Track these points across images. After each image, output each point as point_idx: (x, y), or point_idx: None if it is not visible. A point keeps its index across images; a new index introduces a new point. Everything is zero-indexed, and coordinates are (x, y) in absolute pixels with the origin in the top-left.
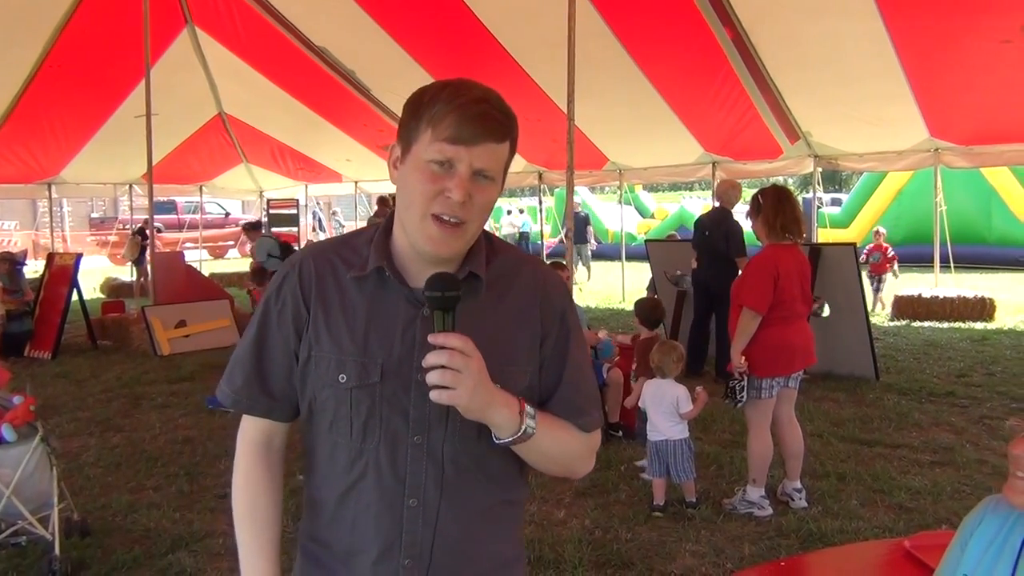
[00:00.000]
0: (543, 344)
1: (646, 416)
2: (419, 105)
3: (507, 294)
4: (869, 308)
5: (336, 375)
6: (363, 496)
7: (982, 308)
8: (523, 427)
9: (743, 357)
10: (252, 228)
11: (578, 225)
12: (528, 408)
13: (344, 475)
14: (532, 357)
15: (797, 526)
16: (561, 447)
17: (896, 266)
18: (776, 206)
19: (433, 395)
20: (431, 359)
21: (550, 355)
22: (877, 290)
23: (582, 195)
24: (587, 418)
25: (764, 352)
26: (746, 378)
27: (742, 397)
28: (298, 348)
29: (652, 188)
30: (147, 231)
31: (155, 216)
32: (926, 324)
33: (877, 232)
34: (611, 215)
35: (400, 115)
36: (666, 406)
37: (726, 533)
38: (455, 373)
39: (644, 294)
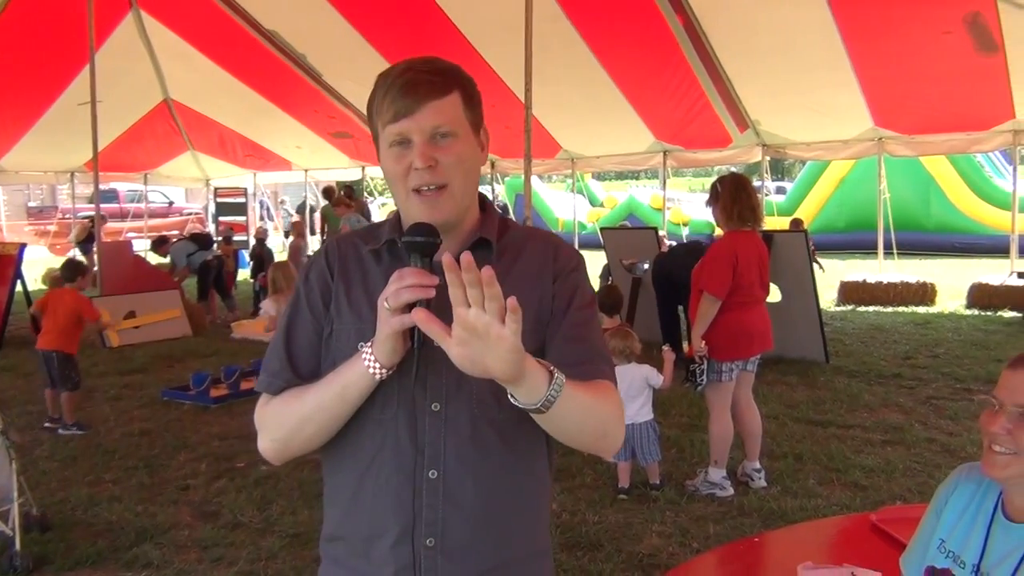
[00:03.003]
0: (554, 300)
1: None
2: (368, 105)
3: (519, 259)
4: None
5: (356, 344)
6: (383, 470)
7: (924, 293)
8: (547, 395)
9: (703, 341)
10: (160, 244)
11: None
12: (557, 376)
13: (364, 449)
14: (544, 317)
15: (758, 505)
16: (591, 412)
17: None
18: (734, 194)
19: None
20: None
21: (556, 310)
22: None
23: (533, 184)
24: (591, 367)
25: (724, 336)
26: (706, 362)
27: (702, 380)
28: (325, 324)
29: (601, 177)
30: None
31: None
32: (871, 309)
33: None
34: (561, 204)
35: (351, 102)
36: (635, 389)
37: (690, 514)
38: (470, 334)
39: (597, 282)
